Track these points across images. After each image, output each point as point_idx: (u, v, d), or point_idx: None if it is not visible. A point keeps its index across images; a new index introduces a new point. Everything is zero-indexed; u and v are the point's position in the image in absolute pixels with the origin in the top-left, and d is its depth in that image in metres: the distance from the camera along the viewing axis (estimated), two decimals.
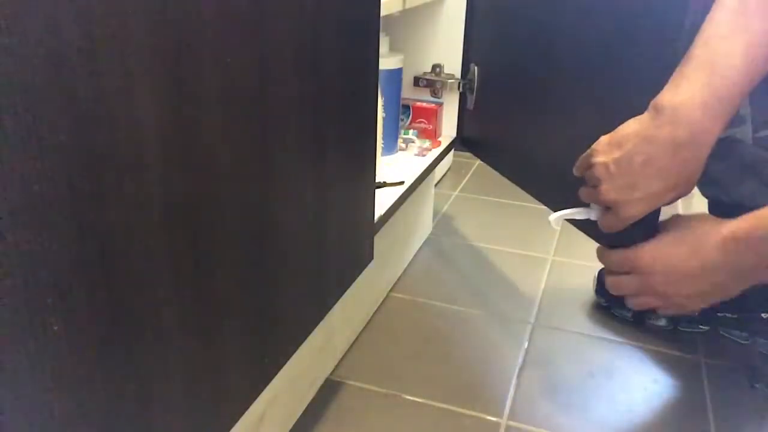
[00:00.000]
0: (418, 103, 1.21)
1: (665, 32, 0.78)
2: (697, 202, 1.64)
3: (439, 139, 1.22)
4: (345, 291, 0.78)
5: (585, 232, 0.89)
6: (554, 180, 0.95)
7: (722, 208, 0.96)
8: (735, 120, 0.86)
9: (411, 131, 1.20)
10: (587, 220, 0.79)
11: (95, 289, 0.37)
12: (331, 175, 0.67)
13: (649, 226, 0.74)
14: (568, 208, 0.81)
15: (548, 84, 0.96)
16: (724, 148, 0.88)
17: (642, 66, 0.80)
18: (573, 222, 0.85)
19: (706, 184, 0.95)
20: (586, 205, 0.79)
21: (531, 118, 1.02)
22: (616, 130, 0.72)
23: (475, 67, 1.15)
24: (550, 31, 0.95)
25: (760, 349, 1.00)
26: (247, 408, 0.58)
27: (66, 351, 0.36)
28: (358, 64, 0.70)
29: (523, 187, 1.07)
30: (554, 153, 0.96)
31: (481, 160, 1.22)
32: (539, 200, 1.03)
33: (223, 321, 0.51)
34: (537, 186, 1.03)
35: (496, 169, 1.16)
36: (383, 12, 0.88)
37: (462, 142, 1.25)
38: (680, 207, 1.54)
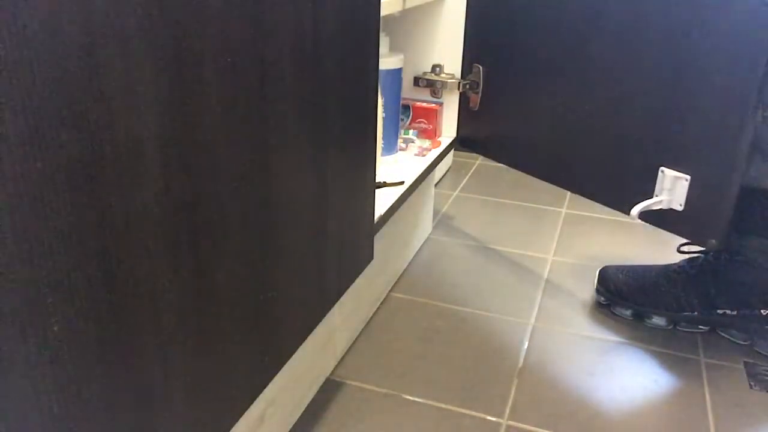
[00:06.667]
0: (418, 103, 1.21)
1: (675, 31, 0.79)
2: None
3: (439, 139, 1.22)
4: (345, 291, 0.78)
5: (649, 221, 0.94)
6: (603, 171, 0.99)
7: None
8: None
9: (411, 131, 1.20)
10: (662, 212, 0.90)
11: (95, 289, 0.37)
12: (331, 175, 0.67)
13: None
14: (618, 197, 0.95)
15: (599, 74, 0.98)
16: None
17: (660, 54, 0.83)
18: (651, 220, 0.94)
19: None
20: (639, 192, 0.91)
21: (570, 111, 1.02)
22: None
23: (480, 67, 1.15)
24: (573, 19, 0.97)
25: (759, 350, 1.00)
26: (247, 408, 0.58)
27: (66, 351, 0.36)
28: (358, 64, 0.70)
29: (552, 181, 1.08)
30: (605, 144, 0.98)
31: (493, 159, 1.22)
32: (577, 192, 1.05)
33: (223, 321, 0.51)
34: (576, 178, 1.05)
35: (513, 166, 1.16)
36: (383, 12, 0.88)
37: (461, 142, 1.25)
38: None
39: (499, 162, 1.19)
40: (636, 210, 0.91)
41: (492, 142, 1.20)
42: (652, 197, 0.91)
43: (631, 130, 0.93)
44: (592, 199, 1.02)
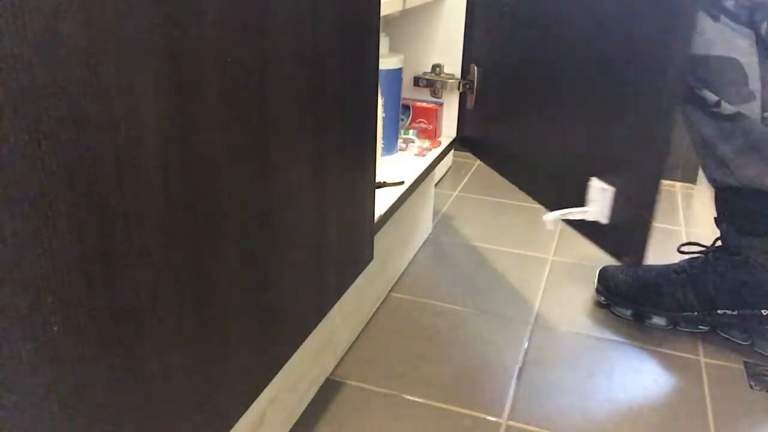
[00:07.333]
0: (418, 103, 1.21)
1: (668, 44, 0.78)
2: (696, 195, 1.65)
3: (439, 139, 1.22)
4: (345, 291, 0.78)
5: (581, 233, 0.89)
6: (553, 180, 0.96)
7: (728, 194, 0.96)
8: (745, 95, 0.86)
9: (411, 131, 1.20)
10: (582, 221, 0.80)
11: (95, 289, 0.37)
12: (331, 175, 0.67)
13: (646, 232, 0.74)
14: (565, 208, 0.82)
15: (551, 84, 0.97)
16: (732, 125, 0.89)
17: (644, 69, 0.81)
18: (569, 222, 0.86)
19: (714, 168, 0.95)
20: (581, 205, 0.79)
21: (531, 118, 1.02)
22: None
23: (475, 68, 1.15)
24: (557, 30, 0.96)
25: (759, 350, 1.00)
26: (247, 408, 0.58)
27: (66, 351, 0.36)
28: (358, 64, 0.70)
29: (521, 188, 1.08)
30: (554, 153, 0.96)
31: (480, 159, 1.23)
32: (537, 201, 1.03)
33: (223, 321, 0.51)
34: (535, 186, 1.04)
35: (494, 169, 1.16)
36: (383, 12, 0.88)
37: (462, 142, 1.25)
38: (680, 203, 1.54)
39: (484, 162, 1.19)
40: (549, 216, 0.86)
41: (478, 143, 1.20)
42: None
43: (573, 141, 0.90)
44: (547, 208, 0.99)
